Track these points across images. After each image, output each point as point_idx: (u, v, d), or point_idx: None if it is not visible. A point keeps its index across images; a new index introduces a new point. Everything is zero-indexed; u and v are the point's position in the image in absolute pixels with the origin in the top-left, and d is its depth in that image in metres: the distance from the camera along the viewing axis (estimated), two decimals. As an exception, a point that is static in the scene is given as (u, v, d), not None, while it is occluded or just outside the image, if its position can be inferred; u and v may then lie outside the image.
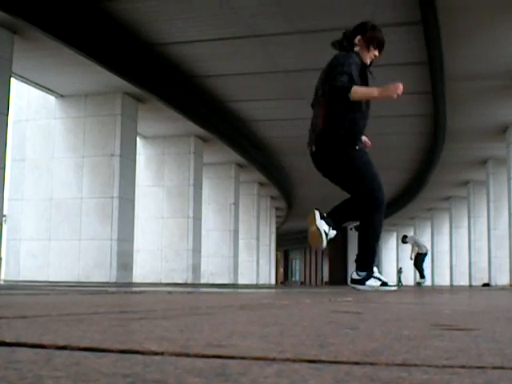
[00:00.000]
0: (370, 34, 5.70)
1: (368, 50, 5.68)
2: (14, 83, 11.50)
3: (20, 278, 12.16)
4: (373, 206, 5.70)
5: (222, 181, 19.02)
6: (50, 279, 11.91)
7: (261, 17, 9.95)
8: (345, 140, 5.56)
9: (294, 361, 0.85)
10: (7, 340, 0.99)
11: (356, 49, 5.69)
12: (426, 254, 23.70)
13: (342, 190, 5.99)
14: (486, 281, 19.91)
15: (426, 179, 21.23)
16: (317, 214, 5.65)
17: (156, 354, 0.89)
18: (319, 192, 28.03)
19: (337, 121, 5.52)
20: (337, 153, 5.63)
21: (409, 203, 26.10)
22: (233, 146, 16.28)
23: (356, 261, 5.79)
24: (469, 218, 22.70)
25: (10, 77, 9.56)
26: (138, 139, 13.72)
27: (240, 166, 18.89)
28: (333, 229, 5.66)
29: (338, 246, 41.25)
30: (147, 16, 10.04)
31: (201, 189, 16.26)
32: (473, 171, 20.73)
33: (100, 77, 11.26)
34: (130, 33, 10.68)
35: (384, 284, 5.61)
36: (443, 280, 29.03)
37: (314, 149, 5.72)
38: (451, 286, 24.16)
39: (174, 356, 0.88)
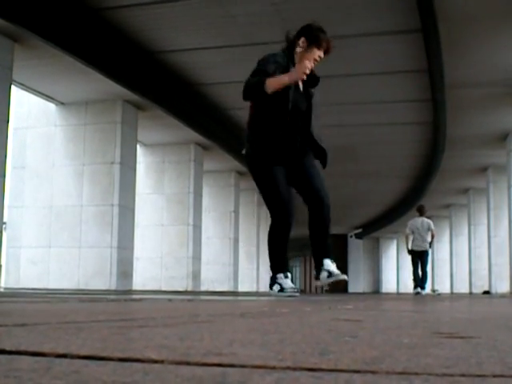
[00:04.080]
0: (316, 36, 5.51)
1: (311, 51, 5.48)
2: (15, 91, 11.52)
3: (20, 286, 12.15)
4: (275, 218, 5.83)
5: (222, 188, 19.02)
6: (50, 287, 11.89)
7: (261, 25, 9.97)
8: (258, 149, 5.59)
9: (294, 369, 0.85)
10: (7, 348, 0.99)
11: (298, 50, 5.53)
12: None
13: None
14: (486, 288, 19.89)
15: (426, 187, 21.22)
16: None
17: (156, 362, 0.89)
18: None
19: (255, 129, 5.56)
20: (249, 161, 5.73)
21: (409, 211, 26.08)
22: (233, 154, 16.28)
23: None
24: (469, 225, 22.70)
25: (11, 84, 9.58)
26: (138, 147, 13.73)
27: (240, 173, 18.88)
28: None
29: (338, 253, 41.21)
30: (147, 24, 10.06)
31: (201, 196, 16.25)
32: (473, 179, 20.73)
33: (100, 84, 11.27)
34: (130, 41, 10.70)
35: (281, 290, 5.71)
36: (443, 288, 29.00)
37: (243, 151, 5.79)
38: (451, 293, 24.13)
39: (174, 364, 0.88)
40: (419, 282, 15.43)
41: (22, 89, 11.69)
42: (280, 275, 5.74)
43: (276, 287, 5.73)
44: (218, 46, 10.83)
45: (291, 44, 5.60)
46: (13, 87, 10.08)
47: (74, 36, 9.82)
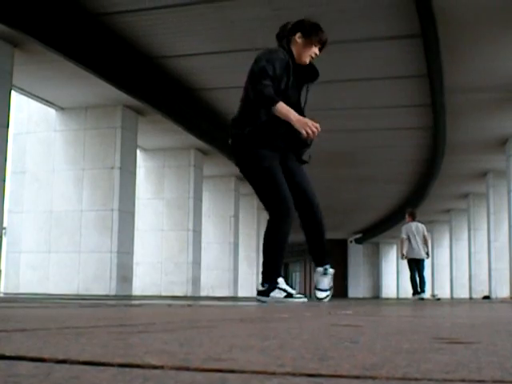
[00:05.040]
0: (312, 32, 5.41)
1: (307, 47, 5.39)
2: (15, 96, 11.53)
3: (20, 291, 12.14)
4: (277, 216, 5.42)
5: (222, 193, 19.03)
6: (50, 292, 11.89)
7: (261, 30, 9.98)
8: (251, 137, 5.31)
9: (294, 374, 0.85)
10: (7, 353, 0.99)
11: (294, 45, 5.42)
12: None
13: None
14: (486, 293, 19.87)
15: (426, 192, 21.22)
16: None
17: (156, 367, 0.89)
18: (320, 203, 27.99)
19: (250, 113, 5.29)
20: (243, 150, 5.41)
21: (409, 216, 26.10)
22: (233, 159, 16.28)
23: (262, 272, 5.53)
24: (469, 230, 22.69)
25: (11, 89, 9.59)
26: (138, 152, 13.74)
27: (240, 178, 18.87)
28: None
29: (338, 258, 41.22)
30: (147, 29, 10.07)
31: (201, 201, 16.26)
32: (473, 183, 20.73)
33: (100, 89, 11.29)
34: (130, 46, 10.71)
35: (289, 295, 5.33)
36: (443, 292, 28.97)
37: (229, 141, 5.52)
38: (451, 298, 24.11)
39: (173, 370, 0.88)
40: (418, 287, 15.40)
41: (22, 94, 11.71)
42: (281, 280, 5.40)
43: (279, 293, 5.33)
44: (217, 51, 10.84)
45: (287, 39, 5.52)
46: (13, 92, 10.09)
47: (73, 41, 9.83)
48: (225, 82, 12.30)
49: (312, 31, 5.44)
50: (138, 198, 14.33)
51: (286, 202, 5.41)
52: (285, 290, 5.36)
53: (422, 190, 21.36)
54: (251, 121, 5.31)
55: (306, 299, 5.51)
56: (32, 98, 12.07)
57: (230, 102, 13.90)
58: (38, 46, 9.28)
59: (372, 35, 10.06)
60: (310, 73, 5.53)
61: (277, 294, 5.35)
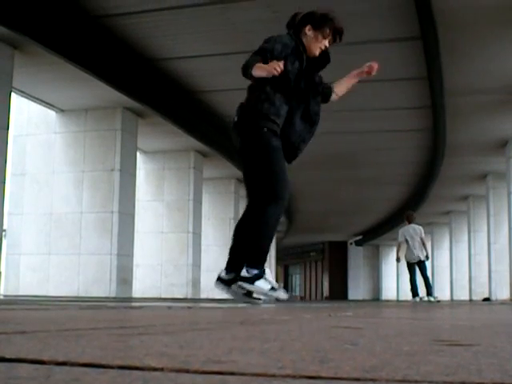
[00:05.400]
0: (322, 24, 5.32)
1: (317, 39, 5.31)
2: (15, 98, 11.54)
3: (19, 293, 12.14)
4: (272, 198, 5.10)
5: (222, 195, 19.03)
6: (50, 294, 11.88)
7: (261, 32, 9.94)
8: (257, 115, 5.08)
9: (294, 377, 0.85)
10: (7, 356, 0.99)
11: (304, 37, 5.33)
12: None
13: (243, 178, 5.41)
14: (486, 295, 19.86)
15: (426, 194, 21.23)
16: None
17: (156, 369, 0.89)
18: (319, 206, 28.08)
19: (256, 93, 5.14)
20: (248, 127, 5.12)
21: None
22: (233, 161, 16.29)
23: (247, 257, 5.18)
24: (469, 232, 22.69)
25: (11, 91, 9.59)
26: (137, 154, 13.74)
27: (240, 180, 18.87)
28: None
29: (338, 260, 41.21)
30: (147, 31, 10.08)
31: (201, 203, 16.26)
32: (473, 185, 20.73)
33: (100, 92, 11.29)
34: (130, 48, 10.71)
35: (273, 289, 5.02)
36: (443, 295, 28.96)
37: (235, 119, 5.21)
38: (451, 300, 24.09)
39: (173, 372, 0.88)
40: (425, 289, 15.33)
41: (22, 96, 11.71)
42: (268, 271, 5.11)
43: (265, 284, 5.02)
44: (218, 54, 10.85)
45: (296, 29, 5.48)
46: (13, 94, 10.10)
47: (74, 43, 9.83)
48: (225, 84, 12.30)
49: (322, 23, 5.35)
50: (138, 200, 14.32)
51: (288, 184, 5.21)
52: (270, 283, 5.06)
53: (422, 192, 21.37)
54: (258, 98, 5.15)
55: (287, 295, 5.23)
56: (32, 100, 12.07)
57: (230, 104, 13.89)
58: (38, 48, 9.29)
59: (372, 37, 10.07)
60: (321, 60, 5.47)
61: (262, 284, 5.03)
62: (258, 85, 5.14)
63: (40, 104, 12.23)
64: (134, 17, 9.58)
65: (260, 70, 4.92)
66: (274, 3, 9.09)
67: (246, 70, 4.98)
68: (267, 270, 5.09)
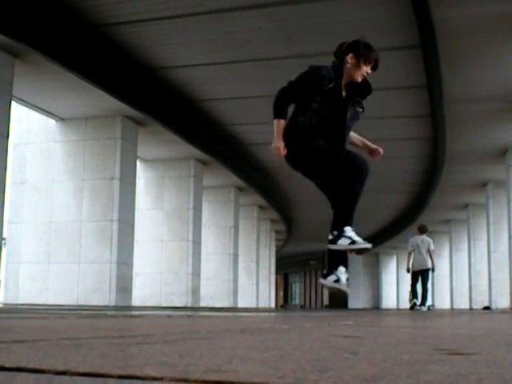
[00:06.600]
0: (363, 52, 5.65)
1: (359, 67, 5.63)
2: (15, 106, 11.54)
3: (19, 302, 12.12)
4: (356, 175, 5.51)
5: (222, 204, 19.02)
6: (49, 302, 11.86)
7: (259, 41, 10.01)
8: (309, 131, 5.50)
9: (294, 386, 0.85)
10: (7, 365, 0.99)
11: (347, 66, 5.63)
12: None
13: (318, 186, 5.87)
14: (486, 304, 19.83)
15: (426, 202, 21.22)
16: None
17: (155, 379, 0.89)
18: (319, 215, 27.99)
19: (298, 113, 5.53)
20: (297, 144, 5.52)
21: (409, 226, 26.07)
22: (232, 169, 16.30)
23: (331, 224, 5.75)
24: (469, 240, 22.67)
25: (11, 100, 9.59)
26: (137, 162, 13.74)
27: (240, 189, 18.90)
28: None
29: (337, 269, 41.08)
30: (147, 40, 10.10)
31: (200, 212, 16.25)
32: (472, 194, 20.73)
33: (100, 100, 11.30)
34: (130, 57, 10.73)
35: (353, 242, 5.53)
36: (443, 303, 28.92)
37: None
38: (451, 309, 24.06)
39: (173, 381, 0.87)
40: (419, 299, 15.39)
41: (22, 104, 11.72)
42: (348, 228, 5.59)
43: (345, 240, 5.55)
44: (217, 62, 10.87)
45: (340, 59, 5.73)
46: (13, 103, 10.10)
47: (74, 52, 9.85)
48: (225, 93, 12.32)
49: (363, 51, 5.66)
50: (138, 209, 14.31)
51: (358, 156, 5.51)
52: (350, 238, 5.54)
53: (422, 201, 21.36)
54: (301, 117, 5.51)
55: (370, 245, 5.65)
56: (32, 109, 12.08)
57: (230, 112, 13.98)
58: (38, 56, 9.30)
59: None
60: (362, 88, 5.82)
61: (343, 241, 5.56)
62: (298, 107, 5.50)
63: (40, 112, 12.24)
64: (133, 26, 9.60)
65: (275, 129, 5.36)
66: (274, 12, 9.12)
67: (275, 107, 5.38)
68: (346, 228, 5.59)
